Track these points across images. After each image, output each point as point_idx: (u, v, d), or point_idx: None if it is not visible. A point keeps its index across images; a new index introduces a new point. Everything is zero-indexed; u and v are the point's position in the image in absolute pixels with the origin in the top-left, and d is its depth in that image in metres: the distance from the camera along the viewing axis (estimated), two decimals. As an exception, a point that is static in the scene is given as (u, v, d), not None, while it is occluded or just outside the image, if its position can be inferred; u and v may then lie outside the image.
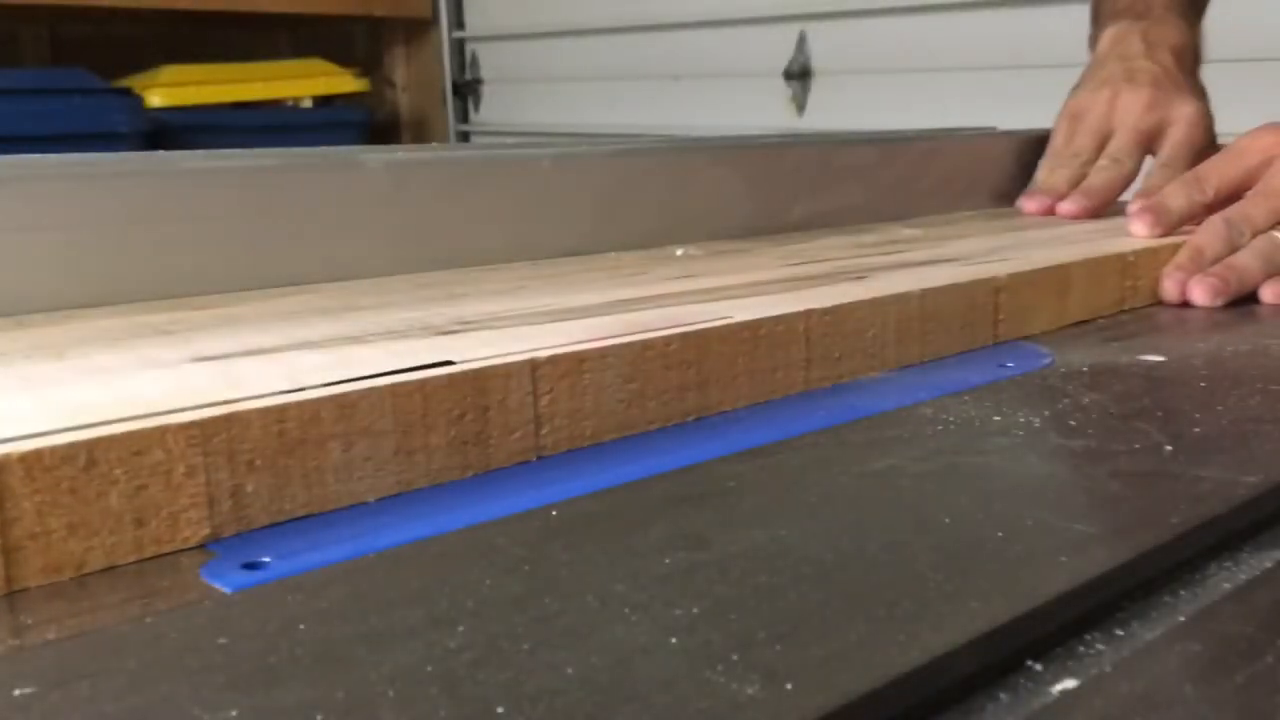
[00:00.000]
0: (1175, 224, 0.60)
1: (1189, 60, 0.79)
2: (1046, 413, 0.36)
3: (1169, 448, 0.32)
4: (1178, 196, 0.61)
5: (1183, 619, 0.24)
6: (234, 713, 0.19)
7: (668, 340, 0.36)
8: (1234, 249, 0.56)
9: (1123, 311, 0.54)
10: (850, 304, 0.41)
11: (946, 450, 0.32)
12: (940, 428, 0.35)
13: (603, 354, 0.34)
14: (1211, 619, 0.24)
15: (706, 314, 0.39)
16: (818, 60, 1.79)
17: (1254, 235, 0.57)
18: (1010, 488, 0.30)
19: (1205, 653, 0.22)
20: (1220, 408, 0.37)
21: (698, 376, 0.37)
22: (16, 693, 0.20)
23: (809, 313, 0.40)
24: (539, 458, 0.33)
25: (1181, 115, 0.74)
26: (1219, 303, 0.54)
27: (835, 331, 0.41)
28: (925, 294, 0.44)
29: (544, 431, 0.33)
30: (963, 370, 0.43)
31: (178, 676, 0.20)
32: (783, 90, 1.82)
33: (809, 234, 0.64)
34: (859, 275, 0.48)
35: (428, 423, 0.31)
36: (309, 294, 0.46)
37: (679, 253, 0.56)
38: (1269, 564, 0.27)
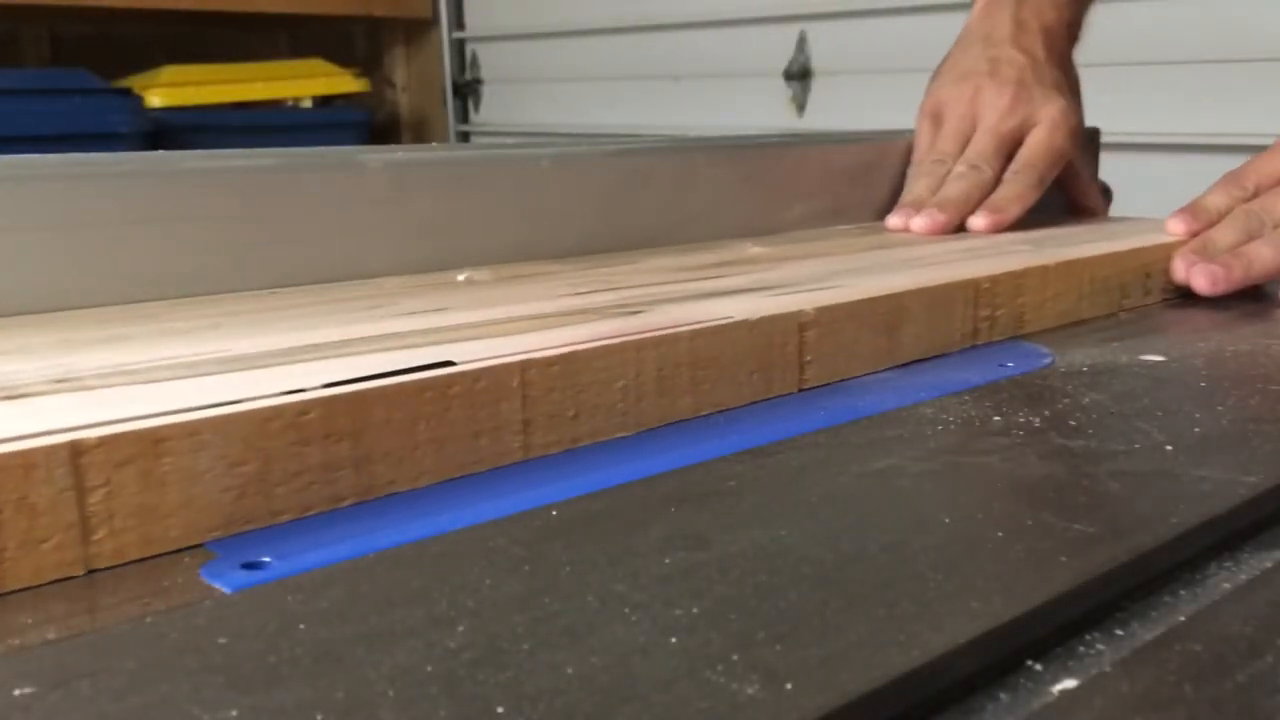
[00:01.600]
0: (1214, 222, 0.59)
1: (1060, 43, 0.73)
2: (1046, 413, 0.36)
3: (1169, 448, 0.32)
4: (1217, 196, 0.60)
5: (1183, 619, 0.24)
6: (234, 713, 0.19)
7: (303, 407, 0.28)
8: (1250, 239, 0.56)
9: (1122, 311, 0.54)
10: (589, 350, 0.34)
11: (946, 450, 0.32)
12: (940, 428, 0.35)
13: (193, 430, 0.26)
14: (1211, 619, 0.24)
15: (398, 361, 0.31)
16: (818, 60, 1.79)
17: (1275, 227, 0.56)
18: (1010, 488, 0.30)
19: (1205, 653, 0.22)
20: (1220, 408, 0.37)
21: (354, 451, 0.29)
22: (16, 693, 0.20)
23: (526, 363, 0.32)
24: (89, 571, 0.25)
25: (1045, 116, 0.68)
26: (1219, 291, 0.53)
27: (567, 385, 0.33)
28: (698, 335, 0.36)
29: (97, 537, 0.25)
30: (963, 370, 0.43)
31: (178, 676, 0.20)
32: (783, 90, 1.82)
33: (645, 251, 0.56)
34: (637, 309, 0.39)
35: None
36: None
37: (460, 278, 0.48)
38: (1269, 564, 0.27)
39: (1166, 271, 0.56)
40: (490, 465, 0.32)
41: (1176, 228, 0.59)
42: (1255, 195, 0.59)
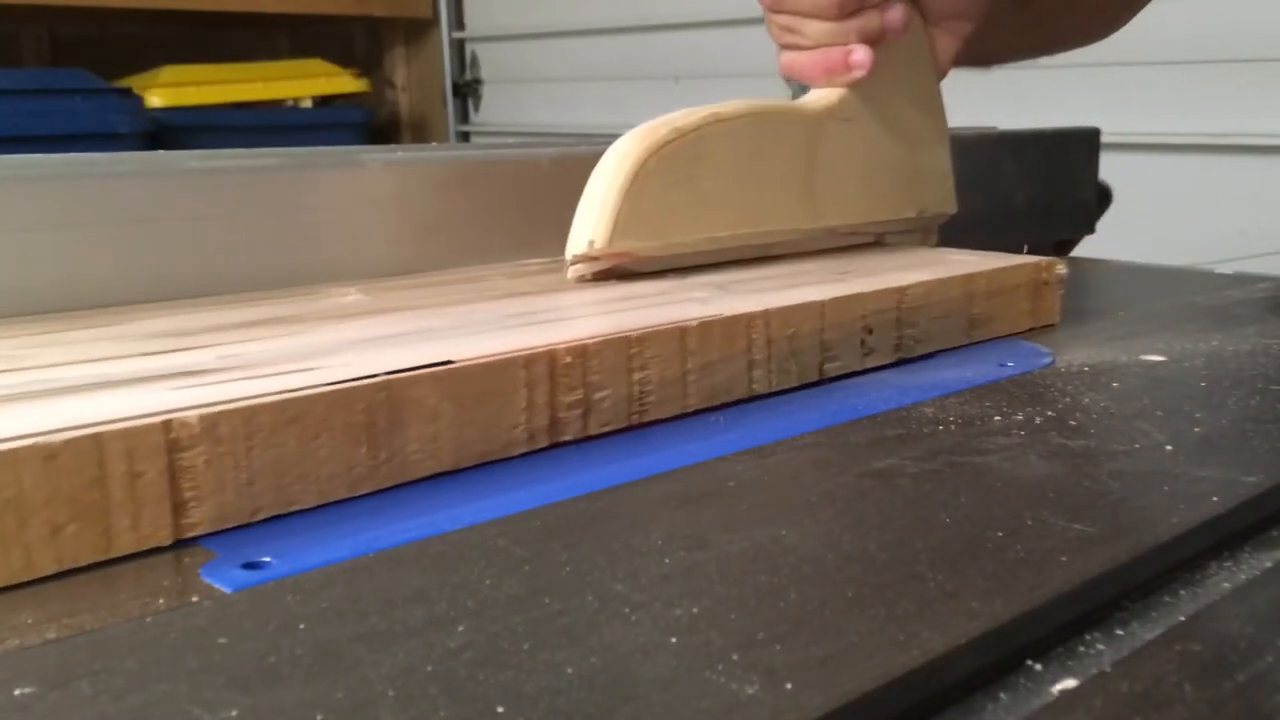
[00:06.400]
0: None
1: None
2: (1047, 413, 0.36)
3: (1169, 448, 0.32)
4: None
5: (1183, 619, 0.24)
6: (234, 713, 0.19)
7: None
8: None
9: (1122, 310, 0.53)
10: None
11: (946, 450, 0.32)
12: (940, 428, 0.35)
13: None
14: (1211, 619, 0.24)
15: None
16: (818, 60, 1.79)
17: None
18: (1010, 488, 0.30)
19: (1205, 653, 0.22)
20: (1220, 408, 0.37)
21: None
22: (16, 693, 0.20)
23: None
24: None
25: None
26: (858, 75, 0.48)
27: None
28: None
29: None
30: (963, 370, 0.43)
31: (178, 676, 0.20)
32: (783, 90, 1.82)
33: (195, 303, 0.42)
34: None
35: None
36: None
37: None
38: (1269, 564, 0.27)
39: (901, 323, 0.43)
40: None
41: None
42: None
